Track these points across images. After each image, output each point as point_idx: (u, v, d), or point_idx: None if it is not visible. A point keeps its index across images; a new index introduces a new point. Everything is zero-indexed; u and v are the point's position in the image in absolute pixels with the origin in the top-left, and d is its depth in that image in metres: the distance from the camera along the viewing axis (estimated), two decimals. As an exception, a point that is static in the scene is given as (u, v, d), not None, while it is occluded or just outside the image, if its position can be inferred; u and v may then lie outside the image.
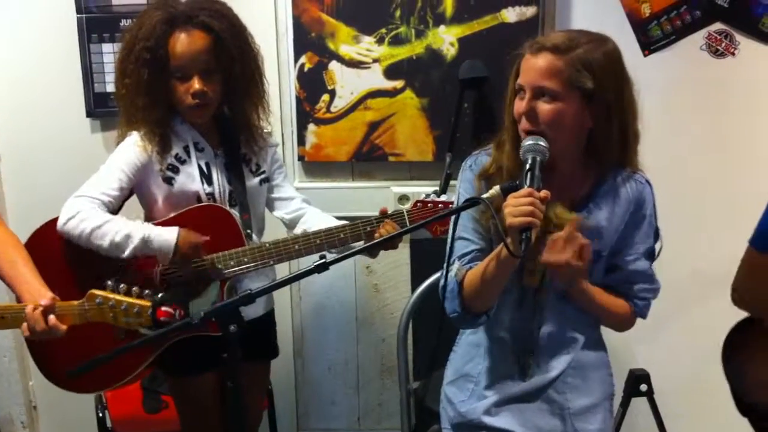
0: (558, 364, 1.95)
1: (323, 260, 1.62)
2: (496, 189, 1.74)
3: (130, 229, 2.09)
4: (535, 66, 1.78)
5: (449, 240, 1.95)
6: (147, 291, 1.88)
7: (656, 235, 2.01)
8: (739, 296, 2.20)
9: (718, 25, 2.92)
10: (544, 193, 1.71)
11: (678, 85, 3.00)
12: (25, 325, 1.88)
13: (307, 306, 3.25)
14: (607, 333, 3.18)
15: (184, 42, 2.11)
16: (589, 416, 1.97)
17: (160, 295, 1.84)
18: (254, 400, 2.51)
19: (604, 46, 1.82)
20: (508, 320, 1.95)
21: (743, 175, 3.07)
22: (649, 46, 2.94)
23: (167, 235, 2.09)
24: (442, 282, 1.92)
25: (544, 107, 1.79)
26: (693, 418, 3.31)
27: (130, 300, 1.85)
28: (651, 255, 1.99)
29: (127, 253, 2.07)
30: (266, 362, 2.54)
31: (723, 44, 2.94)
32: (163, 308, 1.81)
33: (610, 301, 1.98)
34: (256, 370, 2.45)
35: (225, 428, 2.31)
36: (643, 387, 2.97)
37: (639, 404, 2.93)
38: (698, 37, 2.95)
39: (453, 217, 1.88)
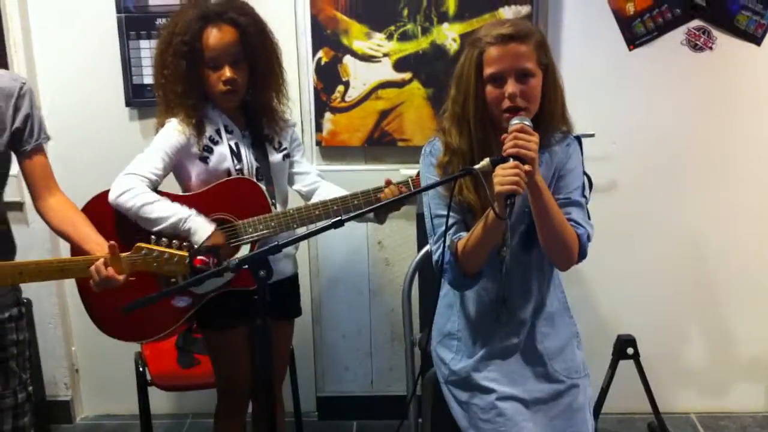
0: (527, 310, 2.21)
1: (339, 218, 1.87)
2: (486, 161, 1.94)
3: (175, 210, 2.33)
4: (513, 53, 2.01)
5: (429, 217, 2.20)
6: (186, 243, 2.14)
7: (587, 180, 2.24)
8: None
9: (696, 22, 3.16)
10: (528, 166, 1.92)
11: (660, 76, 3.22)
12: (92, 271, 2.12)
13: (324, 278, 3.49)
14: (596, 300, 3.45)
15: (216, 36, 2.38)
16: (563, 355, 2.24)
17: (196, 246, 2.10)
18: (280, 355, 2.75)
19: (536, 27, 2.11)
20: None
21: (723, 155, 3.32)
22: (633, 41, 3.18)
23: (205, 224, 2.34)
24: (435, 258, 2.15)
25: (529, 85, 2.03)
26: (677, 380, 3.59)
27: (171, 251, 2.11)
28: (583, 193, 2.20)
29: (166, 224, 2.30)
30: (291, 321, 2.78)
31: (701, 39, 3.17)
32: (199, 257, 2.08)
33: (562, 216, 2.09)
34: (283, 327, 2.72)
35: (255, 372, 2.59)
36: (630, 351, 3.21)
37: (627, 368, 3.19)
38: (679, 33, 3.18)
39: (426, 199, 2.19)
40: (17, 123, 2.19)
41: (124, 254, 2.14)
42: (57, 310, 3.48)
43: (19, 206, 3.19)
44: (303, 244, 3.31)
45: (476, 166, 1.94)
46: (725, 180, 3.35)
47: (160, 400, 3.50)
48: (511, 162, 1.92)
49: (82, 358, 3.63)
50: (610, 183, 3.36)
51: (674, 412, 3.55)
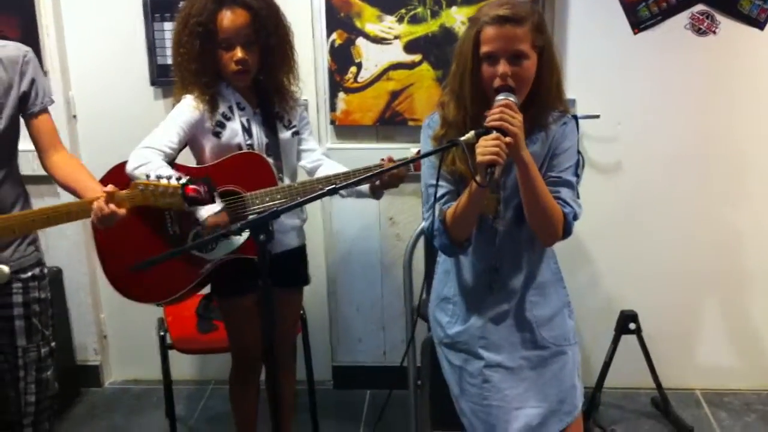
0: (518, 279, 2.31)
1: (334, 185, 2.02)
2: (471, 133, 2.04)
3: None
4: (508, 35, 2.10)
5: (424, 187, 2.33)
6: (180, 177, 2.26)
7: (580, 161, 2.32)
8: None
9: (700, 6, 3.22)
10: (508, 138, 2.03)
11: (665, 60, 3.29)
12: (94, 208, 2.25)
13: (338, 253, 3.63)
14: (602, 278, 3.55)
15: (229, 18, 2.51)
16: (551, 323, 2.34)
17: (187, 177, 2.23)
18: (289, 321, 2.90)
19: (536, 9, 2.19)
20: (472, 245, 2.30)
21: (723, 137, 3.39)
22: (638, 25, 3.25)
23: (205, 210, 2.49)
24: (426, 224, 2.28)
25: (521, 67, 2.12)
26: (683, 357, 3.67)
27: (164, 183, 2.24)
28: (575, 172, 2.27)
29: None
30: (299, 289, 2.93)
31: (705, 24, 3.24)
32: (191, 186, 2.21)
33: (548, 193, 2.16)
34: (290, 295, 2.87)
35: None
36: (632, 326, 3.32)
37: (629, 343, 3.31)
38: (682, 17, 3.24)
39: (423, 169, 2.31)
40: (23, 87, 2.39)
41: (123, 191, 2.27)
42: (87, 279, 3.67)
43: (49, 180, 3.34)
44: (318, 220, 3.48)
45: (462, 138, 2.04)
46: (728, 162, 3.42)
47: (183, 367, 3.69)
48: (494, 134, 2.02)
49: (111, 325, 3.82)
50: (615, 163, 3.44)
51: (679, 388, 3.64)
